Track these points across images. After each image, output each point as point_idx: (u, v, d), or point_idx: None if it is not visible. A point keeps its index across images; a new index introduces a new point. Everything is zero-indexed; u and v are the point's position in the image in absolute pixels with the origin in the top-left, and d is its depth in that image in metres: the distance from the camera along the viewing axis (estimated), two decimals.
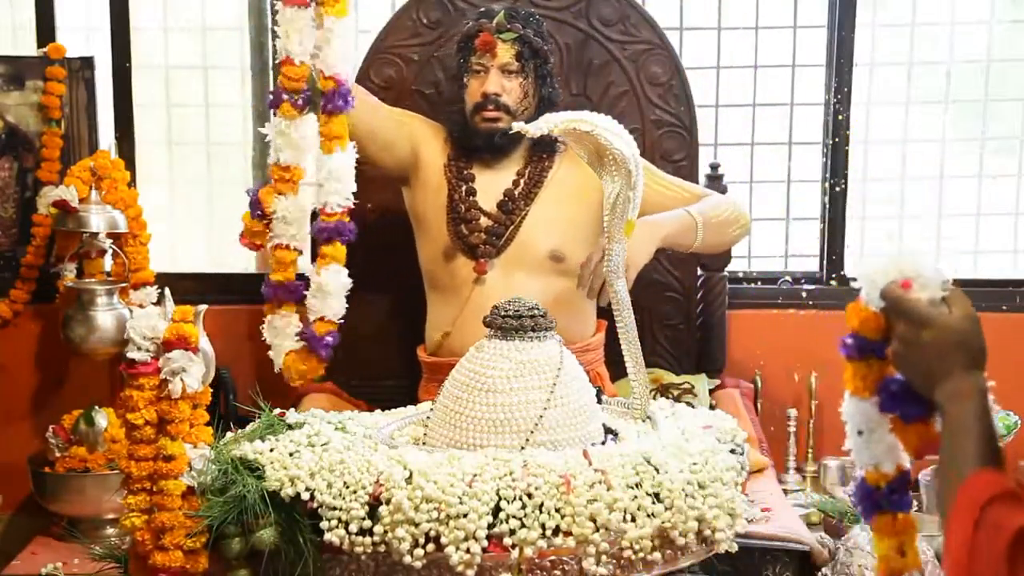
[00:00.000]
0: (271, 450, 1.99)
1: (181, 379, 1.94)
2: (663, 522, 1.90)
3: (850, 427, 1.47)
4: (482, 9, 2.85)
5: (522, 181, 2.81)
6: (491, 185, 2.81)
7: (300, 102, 2.58)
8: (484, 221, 2.78)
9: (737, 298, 3.38)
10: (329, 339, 2.64)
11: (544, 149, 2.82)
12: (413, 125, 2.89)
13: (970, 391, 1.36)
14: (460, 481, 1.87)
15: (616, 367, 2.73)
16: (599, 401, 2.24)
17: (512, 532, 1.83)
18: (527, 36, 2.76)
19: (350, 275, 2.65)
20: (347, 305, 2.66)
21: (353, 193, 2.64)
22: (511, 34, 2.74)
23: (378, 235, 3.02)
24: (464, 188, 2.80)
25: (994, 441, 1.34)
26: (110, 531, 2.88)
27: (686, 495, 1.93)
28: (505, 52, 2.75)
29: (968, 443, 1.33)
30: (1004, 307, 3.41)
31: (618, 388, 2.82)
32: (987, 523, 1.24)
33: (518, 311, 2.12)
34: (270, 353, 2.66)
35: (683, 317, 3.22)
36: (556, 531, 1.85)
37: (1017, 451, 3.13)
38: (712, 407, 2.74)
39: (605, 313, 2.62)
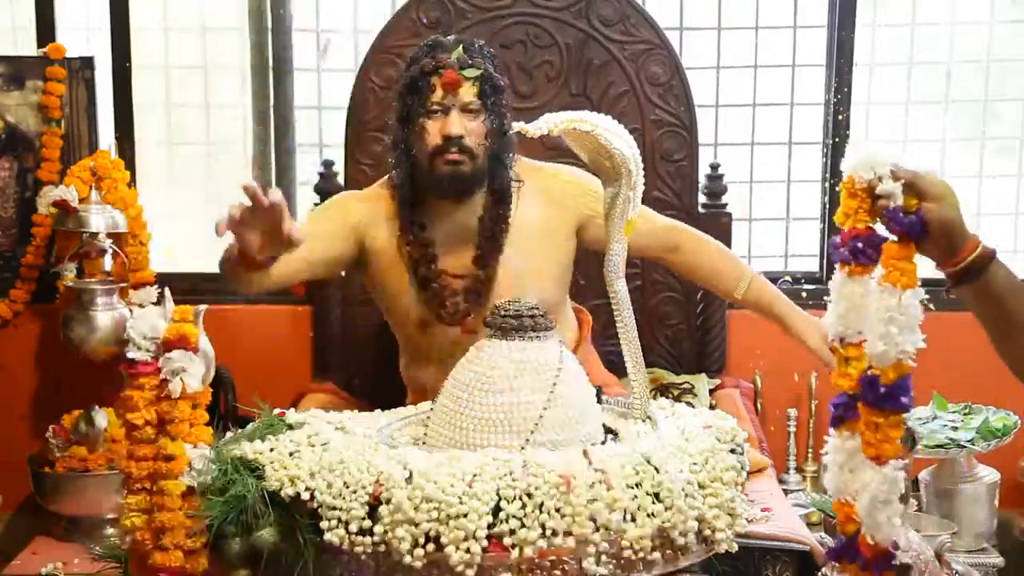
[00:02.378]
0: (271, 450, 1.99)
1: (181, 379, 1.94)
2: (663, 522, 1.89)
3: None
4: (428, 42, 2.53)
5: (487, 226, 2.54)
6: (451, 240, 2.56)
7: None
8: (456, 283, 2.55)
9: None
10: None
11: (502, 191, 2.56)
12: (348, 220, 2.57)
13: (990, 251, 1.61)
14: (460, 481, 1.87)
15: (618, 371, 2.73)
16: (599, 401, 2.24)
17: (512, 532, 1.83)
18: (488, 72, 2.48)
19: (351, 275, 2.62)
20: (345, 306, 2.66)
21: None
22: (474, 70, 2.46)
23: None
24: (427, 256, 2.54)
25: None
26: (110, 531, 2.88)
27: (686, 495, 1.93)
28: (467, 91, 2.46)
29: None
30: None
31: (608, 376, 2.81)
32: None
33: (518, 311, 2.12)
34: None
35: (683, 317, 3.22)
36: (556, 531, 1.85)
37: (1017, 451, 3.13)
38: (712, 407, 2.73)
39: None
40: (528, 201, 2.59)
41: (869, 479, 1.66)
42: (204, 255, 3.60)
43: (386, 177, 2.65)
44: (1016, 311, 1.63)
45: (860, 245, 1.64)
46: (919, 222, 1.60)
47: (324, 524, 1.88)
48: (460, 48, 2.48)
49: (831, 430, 1.72)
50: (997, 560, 2.93)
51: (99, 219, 3.05)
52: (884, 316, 1.61)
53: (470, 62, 2.47)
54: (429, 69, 2.46)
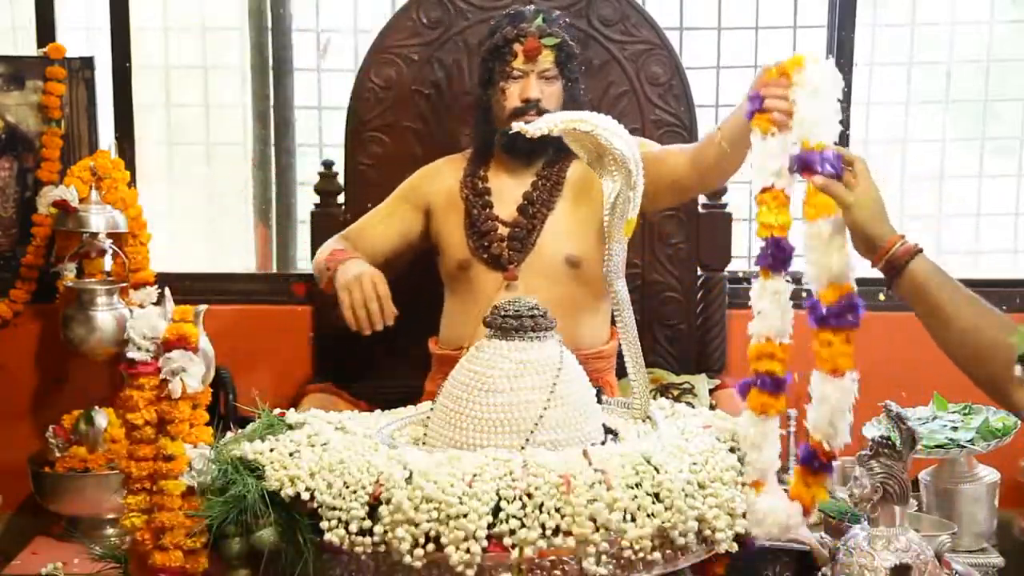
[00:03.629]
0: (271, 450, 1.99)
1: (181, 379, 1.94)
2: (663, 522, 1.90)
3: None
4: (510, 11, 2.79)
5: (540, 184, 2.77)
6: (507, 193, 2.78)
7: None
8: (503, 230, 2.74)
9: (737, 298, 3.38)
10: None
11: (561, 150, 2.73)
12: (417, 199, 2.87)
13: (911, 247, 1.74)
14: (460, 481, 1.87)
15: (618, 371, 2.74)
16: (599, 401, 2.24)
17: (512, 532, 1.83)
18: (564, 41, 2.73)
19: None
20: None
21: (354, 195, 2.61)
22: (552, 39, 2.70)
23: None
24: (480, 201, 2.77)
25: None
26: (110, 531, 2.89)
27: (686, 495, 1.93)
28: (545, 58, 2.71)
29: (952, 285, 1.70)
30: (1004, 307, 3.39)
31: (619, 388, 2.82)
32: None
33: (518, 311, 2.12)
34: None
35: (683, 317, 3.22)
36: (556, 531, 1.85)
37: (1017, 451, 3.13)
38: (712, 407, 2.73)
39: None
40: (577, 167, 2.75)
41: (829, 392, 1.94)
42: (204, 255, 3.62)
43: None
44: (943, 303, 1.77)
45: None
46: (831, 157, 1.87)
47: (324, 524, 1.88)
48: (540, 18, 2.72)
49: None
50: (997, 560, 2.92)
51: (99, 219, 3.05)
52: (808, 244, 1.97)
53: (549, 31, 2.71)
54: (511, 36, 2.71)
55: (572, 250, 2.73)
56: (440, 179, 2.86)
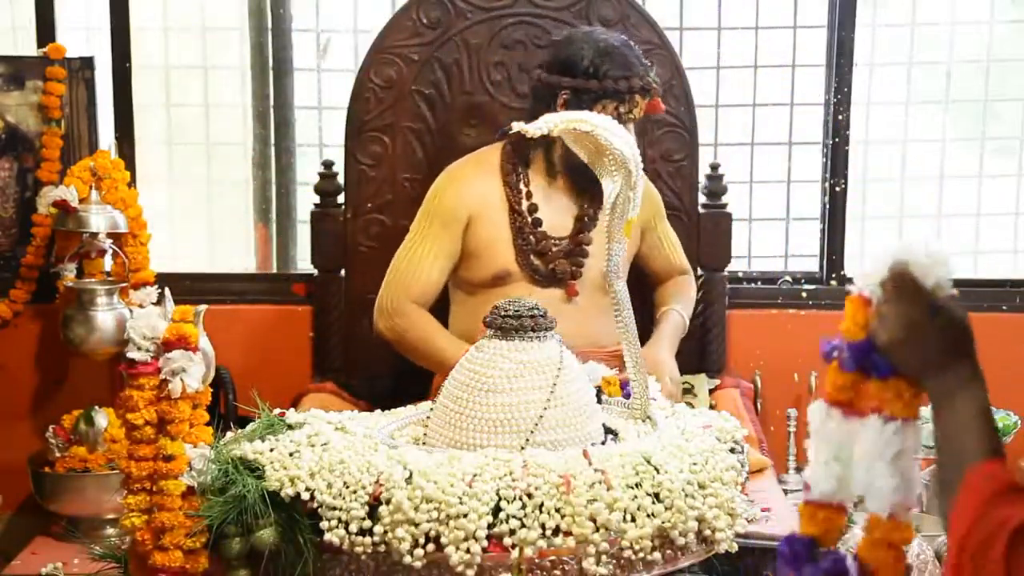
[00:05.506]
0: (271, 450, 1.99)
1: (181, 379, 1.94)
2: (663, 522, 1.90)
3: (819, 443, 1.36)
4: (646, 63, 2.76)
5: (588, 200, 2.78)
6: (551, 206, 2.79)
7: None
8: (556, 247, 2.77)
9: (737, 298, 3.38)
10: None
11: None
12: (459, 219, 2.78)
13: (976, 378, 1.31)
14: (460, 481, 1.87)
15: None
16: (599, 401, 2.24)
17: (512, 532, 1.83)
18: None
19: (350, 275, 2.64)
20: (345, 306, 2.66)
21: (354, 195, 2.59)
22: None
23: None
24: (532, 219, 2.77)
25: (995, 433, 1.30)
26: (110, 531, 2.88)
27: (686, 495, 1.93)
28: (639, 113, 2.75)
29: (971, 436, 1.28)
30: (1004, 307, 3.41)
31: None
32: (990, 518, 1.22)
33: (518, 311, 2.12)
34: None
35: None
36: (556, 531, 1.85)
37: (1017, 451, 3.13)
38: (712, 407, 2.73)
39: None
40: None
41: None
42: (204, 255, 3.62)
43: (499, 144, 2.83)
44: (956, 448, 1.32)
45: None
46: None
47: (324, 524, 1.88)
48: (653, 74, 2.76)
49: None
50: None
51: (99, 219, 3.05)
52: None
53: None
54: (638, 87, 2.70)
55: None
56: (475, 189, 2.80)
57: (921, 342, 1.32)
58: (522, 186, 2.79)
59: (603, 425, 2.18)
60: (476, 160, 2.88)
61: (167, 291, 2.06)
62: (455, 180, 2.83)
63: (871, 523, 1.37)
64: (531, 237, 2.77)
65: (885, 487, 1.33)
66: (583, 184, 2.73)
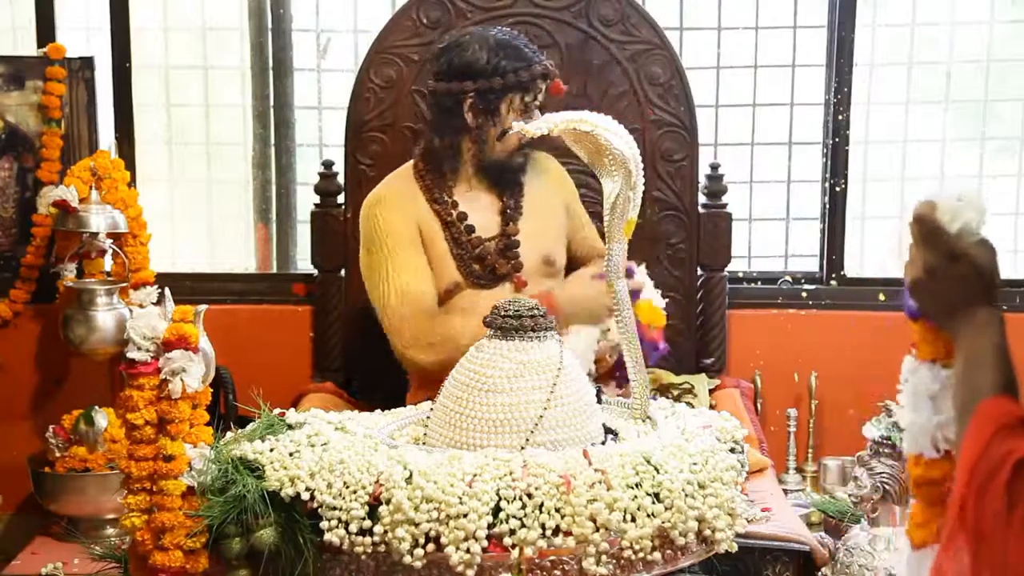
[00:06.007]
0: (271, 450, 1.99)
1: (181, 379, 1.94)
2: (663, 522, 1.90)
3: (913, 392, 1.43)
4: (535, 49, 2.75)
5: (508, 192, 2.77)
6: (477, 208, 2.76)
7: None
8: (490, 245, 2.74)
9: (737, 298, 3.38)
10: None
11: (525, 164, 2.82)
12: (416, 233, 2.73)
13: (991, 322, 1.36)
14: (460, 481, 1.87)
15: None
16: (599, 401, 2.24)
17: (512, 532, 1.83)
18: None
19: (350, 275, 2.64)
20: (345, 306, 2.66)
21: (354, 195, 2.60)
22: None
23: None
24: (463, 226, 2.73)
25: (1010, 371, 1.33)
26: (110, 531, 2.88)
27: (686, 495, 1.93)
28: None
29: (986, 373, 1.32)
30: (1004, 307, 3.40)
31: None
32: (997, 448, 1.24)
33: (518, 311, 2.12)
34: None
35: (683, 317, 3.22)
36: (556, 531, 1.85)
37: None
38: (712, 407, 2.73)
39: None
40: (531, 175, 2.82)
41: None
42: (204, 255, 3.62)
43: (409, 163, 2.83)
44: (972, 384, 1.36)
45: None
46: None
47: (324, 524, 1.88)
48: (544, 56, 2.76)
49: None
50: None
51: (99, 219, 3.05)
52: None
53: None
54: (542, 73, 2.69)
55: (545, 250, 2.78)
56: (410, 209, 2.74)
57: (938, 287, 1.36)
58: (446, 197, 2.75)
59: (603, 425, 2.18)
60: (396, 184, 2.81)
61: (167, 291, 2.06)
62: (388, 206, 2.74)
63: (910, 462, 1.46)
64: (467, 245, 2.73)
65: (927, 424, 1.41)
66: (497, 177, 2.76)
